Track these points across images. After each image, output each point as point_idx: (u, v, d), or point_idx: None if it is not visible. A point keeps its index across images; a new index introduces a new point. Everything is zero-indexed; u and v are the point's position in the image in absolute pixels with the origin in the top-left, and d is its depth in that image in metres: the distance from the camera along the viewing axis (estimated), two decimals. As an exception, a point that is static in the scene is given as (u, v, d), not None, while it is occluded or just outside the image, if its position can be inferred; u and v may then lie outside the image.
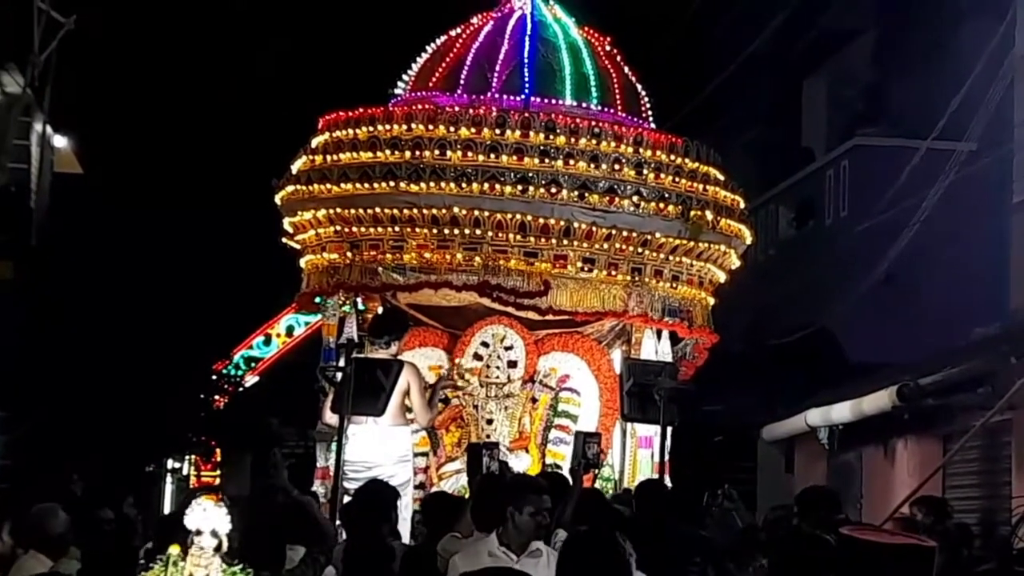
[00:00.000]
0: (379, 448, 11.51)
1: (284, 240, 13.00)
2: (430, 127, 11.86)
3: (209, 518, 6.55)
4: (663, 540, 9.00)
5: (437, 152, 11.77)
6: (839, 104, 22.51)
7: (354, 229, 12.12)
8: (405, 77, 13.06)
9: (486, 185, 11.69)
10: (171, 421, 24.39)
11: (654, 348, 12.44)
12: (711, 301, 12.83)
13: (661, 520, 9.61)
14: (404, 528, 11.16)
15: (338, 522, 9.65)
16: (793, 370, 20.07)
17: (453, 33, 13.08)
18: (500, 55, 12.63)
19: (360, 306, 12.82)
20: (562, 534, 9.00)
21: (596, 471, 11.97)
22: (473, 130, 11.80)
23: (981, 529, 13.79)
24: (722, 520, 10.68)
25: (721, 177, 12.53)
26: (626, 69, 13.08)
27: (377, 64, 15.68)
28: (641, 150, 12.01)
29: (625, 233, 11.90)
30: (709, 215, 12.25)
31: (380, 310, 12.75)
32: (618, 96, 12.80)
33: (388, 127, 11.99)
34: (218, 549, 6.54)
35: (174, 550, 6.47)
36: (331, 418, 11.38)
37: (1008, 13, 16.23)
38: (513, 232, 11.76)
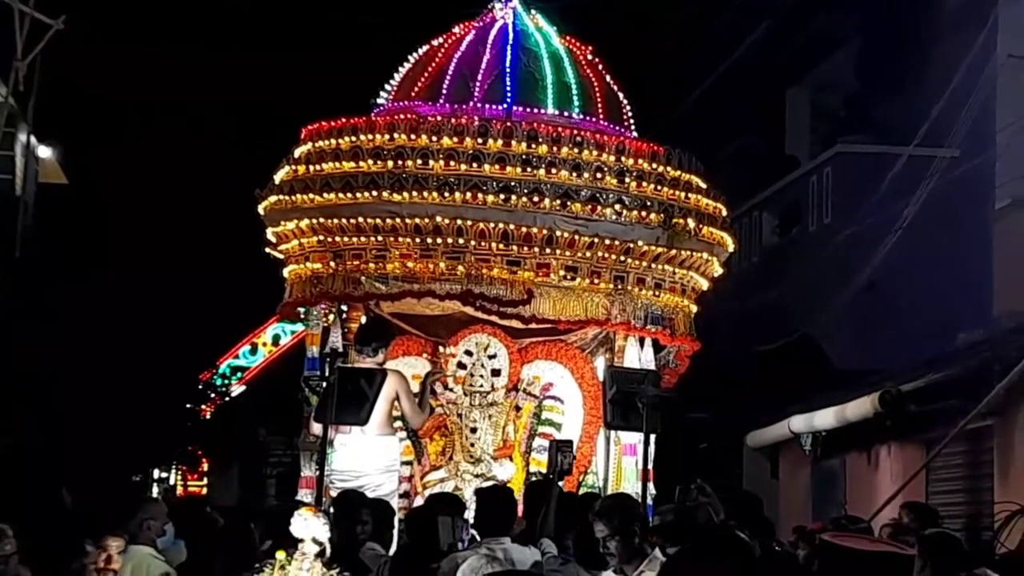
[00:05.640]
0: (366, 458, 11.56)
1: (267, 250, 13.00)
2: (412, 137, 11.83)
3: (310, 527, 7.08)
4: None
5: (419, 161, 11.75)
6: (822, 112, 22.60)
7: (337, 239, 12.10)
8: (387, 87, 13.06)
9: (468, 194, 11.65)
10: (157, 431, 24.39)
11: (637, 356, 12.45)
12: (694, 309, 12.82)
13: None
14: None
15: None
16: (777, 377, 20.10)
17: (435, 43, 13.08)
18: (482, 64, 12.61)
19: (343, 316, 12.83)
20: (547, 542, 9.03)
21: (580, 479, 12.05)
22: (455, 139, 11.77)
23: (965, 535, 13.81)
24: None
25: (703, 185, 12.51)
26: (608, 78, 13.09)
27: (359, 74, 15.66)
28: (623, 158, 11.98)
29: (607, 241, 11.87)
30: (691, 223, 12.24)
31: (363, 319, 12.77)
32: (600, 105, 12.81)
33: (370, 137, 11.97)
34: (319, 555, 7.05)
35: (280, 555, 6.96)
36: (317, 428, 11.40)
37: (989, 19, 16.28)
38: (496, 241, 11.73)
